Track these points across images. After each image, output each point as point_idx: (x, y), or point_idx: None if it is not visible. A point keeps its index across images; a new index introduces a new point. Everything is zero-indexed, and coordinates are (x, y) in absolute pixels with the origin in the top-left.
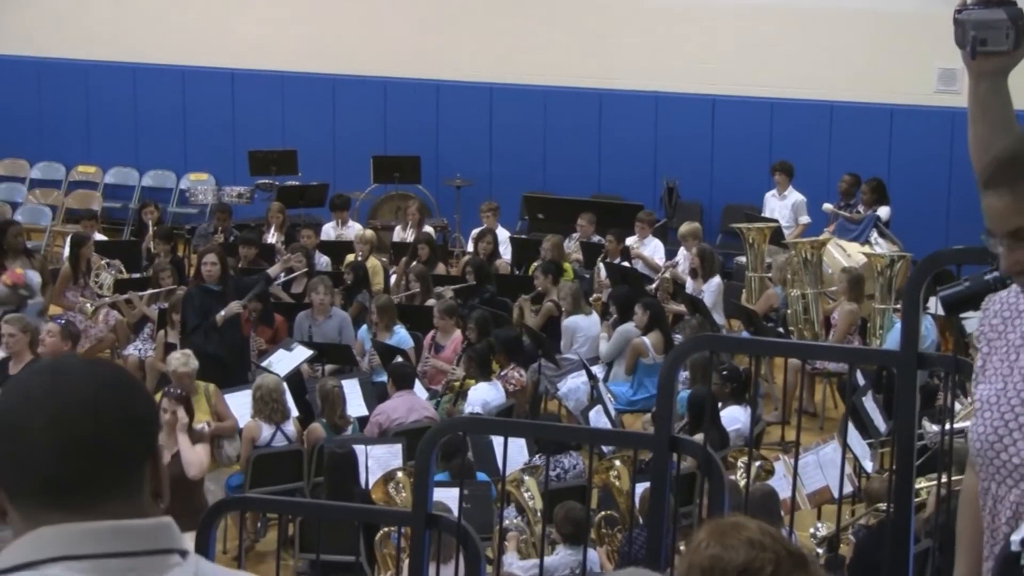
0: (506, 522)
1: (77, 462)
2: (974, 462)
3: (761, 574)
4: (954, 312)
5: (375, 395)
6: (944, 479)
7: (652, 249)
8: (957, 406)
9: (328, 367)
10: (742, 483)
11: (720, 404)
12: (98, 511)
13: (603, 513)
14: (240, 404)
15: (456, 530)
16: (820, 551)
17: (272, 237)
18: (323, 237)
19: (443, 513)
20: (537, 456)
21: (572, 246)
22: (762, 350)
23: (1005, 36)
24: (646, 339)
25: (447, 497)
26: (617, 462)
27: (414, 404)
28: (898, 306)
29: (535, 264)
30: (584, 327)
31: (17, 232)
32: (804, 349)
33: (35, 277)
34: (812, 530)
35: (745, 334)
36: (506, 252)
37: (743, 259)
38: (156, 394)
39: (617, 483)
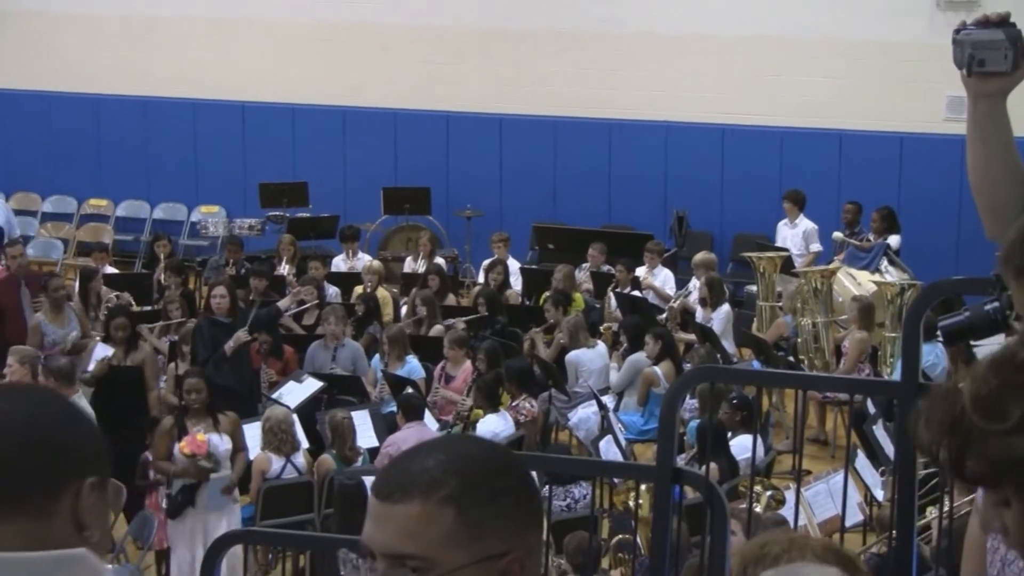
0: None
1: None
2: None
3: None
4: (953, 342)
5: (385, 426)
6: (947, 507)
7: (662, 279)
8: None
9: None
10: (755, 511)
11: (730, 433)
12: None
13: (618, 537)
14: (250, 436)
15: None
16: None
17: (283, 269)
18: (333, 269)
19: None
20: (547, 487)
21: (583, 276)
22: (763, 380)
23: (1004, 57)
24: (657, 369)
25: None
26: (643, 486)
27: (424, 435)
28: None
29: (546, 294)
30: (586, 360)
31: (192, 387)
32: (805, 380)
33: (221, 444)
34: None
35: (756, 363)
36: (517, 283)
37: (754, 288)
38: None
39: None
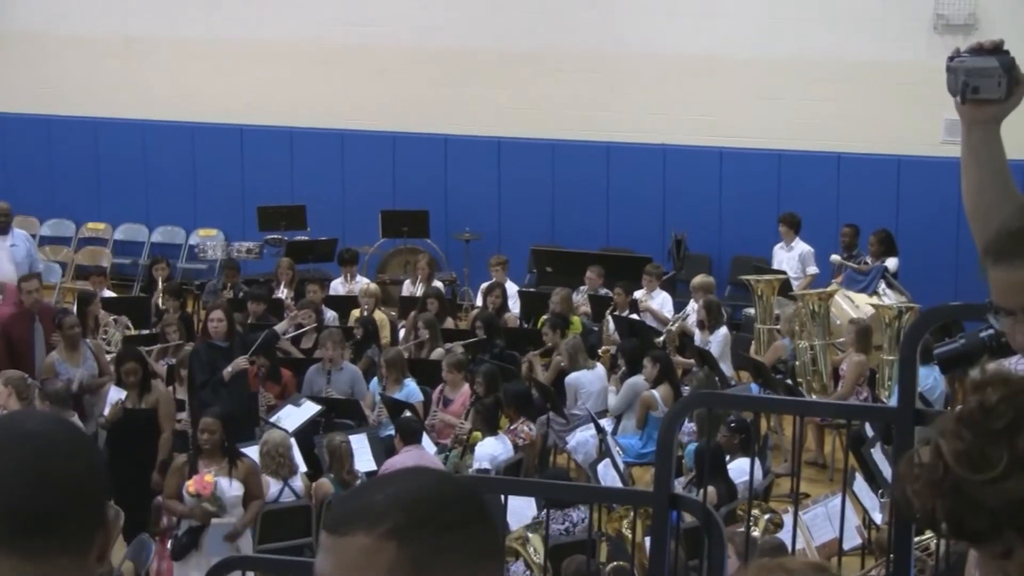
0: None
1: (45, 499)
2: None
3: None
4: (949, 370)
5: (383, 450)
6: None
7: (660, 302)
8: None
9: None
10: (753, 535)
11: (728, 456)
12: (48, 562)
13: (613, 564)
14: None
15: None
16: None
17: (282, 293)
18: (332, 292)
19: None
20: (544, 511)
21: (580, 299)
22: (759, 406)
23: (997, 84)
24: (655, 392)
25: None
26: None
27: (422, 459)
28: None
29: (544, 317)
30: (586, 382)
31: (206, 427)
32: (802, 405)
33: (229, 488)
34: None
35: (754, 386)
36: (515, 306)
37: (752, 311)
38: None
39: (630, 535)
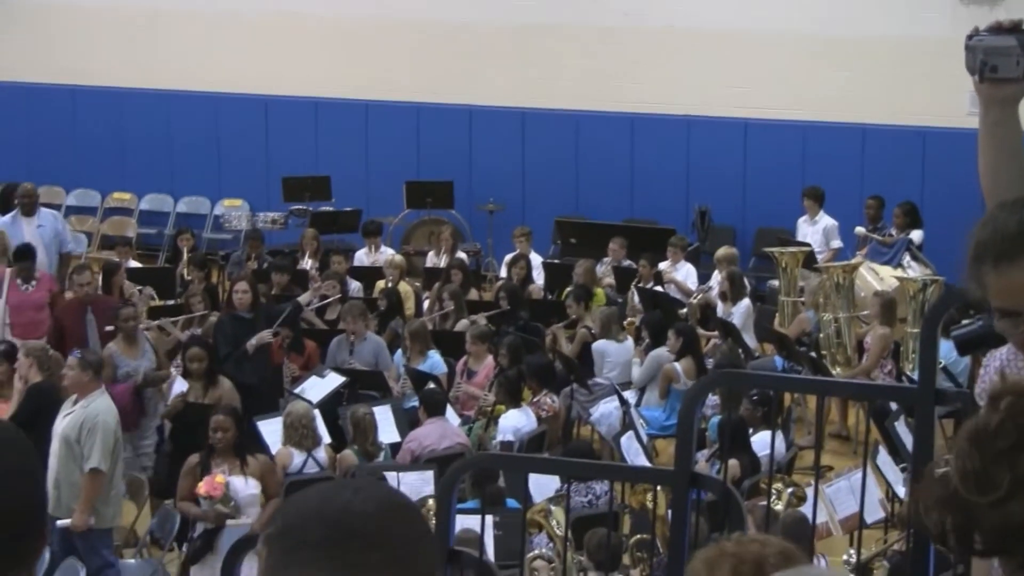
0: (537, 551)
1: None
2: None
3: None
4: (967, 351)
5: (407, 421)
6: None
7: (685, 274)
8: None
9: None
10: (776, 508)
11: (752, 429)
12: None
13: (637, 537)
14: (272, 431)
15: (479, 567)
16: None
17: (306, 263)
18: (356, 263)
19: (466, 549)
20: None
21: (604, 271)
22: (780, 385)
23: (1016, 63)
24: (677, 365)
25: (479, 525)
26: (659, 487)
27: (446, 431)
28: None
29: (568, 289)
30: (613, 353)
31: (219, 424)
32: (823, 385)
33: (244, 488)
34: (845, 556)
35: (778, 358)
36: (539, 277)
37: (776, 283)
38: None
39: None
